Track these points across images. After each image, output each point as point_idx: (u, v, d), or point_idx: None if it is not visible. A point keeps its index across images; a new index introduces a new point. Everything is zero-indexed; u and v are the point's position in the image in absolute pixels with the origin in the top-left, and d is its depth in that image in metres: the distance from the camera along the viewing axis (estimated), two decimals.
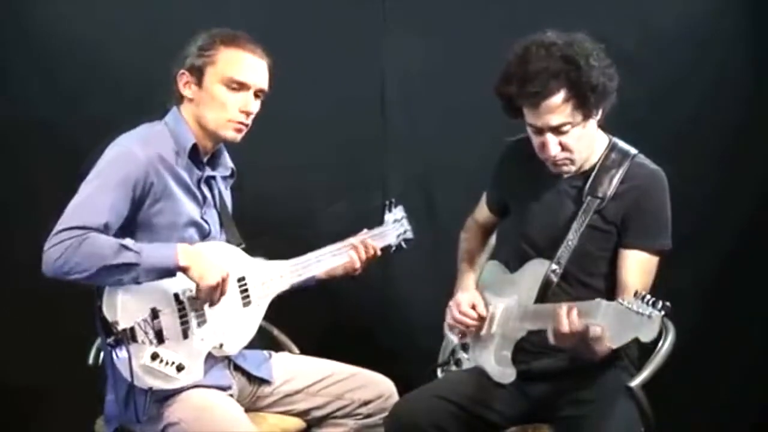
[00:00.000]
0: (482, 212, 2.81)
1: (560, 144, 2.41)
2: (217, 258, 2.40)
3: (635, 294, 2.14)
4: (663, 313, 2.07)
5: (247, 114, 2.47)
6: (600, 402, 2.40)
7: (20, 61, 3.20)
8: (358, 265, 2.69)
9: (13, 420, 3.26)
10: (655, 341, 2.52)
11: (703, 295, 3.19)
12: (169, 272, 2.31)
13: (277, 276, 2.56)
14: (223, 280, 2.36)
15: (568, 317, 2.27)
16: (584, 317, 2.24)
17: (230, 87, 2.44)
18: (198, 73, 2.44)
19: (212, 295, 2.36)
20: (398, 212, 2.89)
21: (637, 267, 2.44)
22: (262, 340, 2.77)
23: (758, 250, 3.26)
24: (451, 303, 2.66)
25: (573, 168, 2.48)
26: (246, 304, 2.49)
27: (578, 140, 2.41)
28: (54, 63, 3.21)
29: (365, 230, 2.73)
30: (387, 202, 2.89)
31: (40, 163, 3.23)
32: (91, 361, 2.57)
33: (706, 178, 3.22)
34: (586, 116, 2.40)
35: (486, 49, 3.03)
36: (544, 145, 2.42)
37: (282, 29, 3.20)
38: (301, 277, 2.61)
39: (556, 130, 2.39)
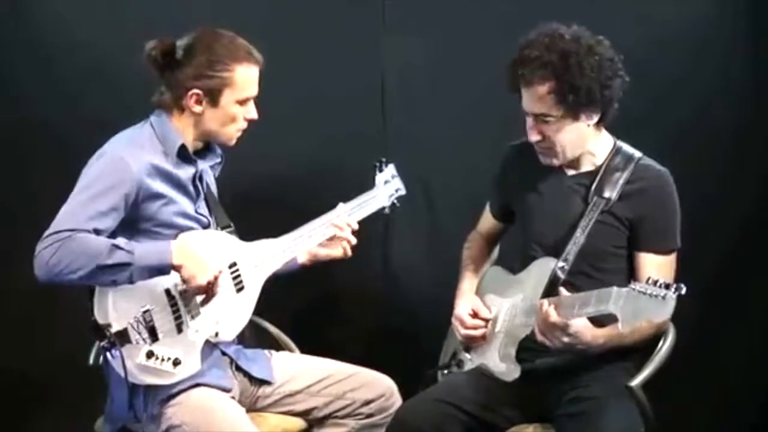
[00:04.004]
0: (486, 222, 2.82)
1: (540, 132, 2.45)
2: (211, 251, 2.40)
3: (647, 280, 2.16)
4: (677, 293, 2.08)
5: (251, 121, 2.48)
6: (600, 401, 2.40)
7: (20, 61, 3.20)
8: (345, 242, 2.63)
9: (14, 420, 3.26)
10: (656, 341, 2.54)
11: (703, 295, 3.18)
12: (162, 271, 2.31)
13: (268, 256, 2.56)
14: (215, 278, 2.36)
15: (546, 313, 2.33)
16: (596, 305, 2.25)
17: (242, 103, 2.45)
18: (215, 94, 2.41)
19: (202, 293, 2.37)
20: (389, 171, 2.86)
21: (655, 268, 2.45)
22: (263, 340, 2.77)
23: (758, 250, 3.26)
24: (453, 319, 2.67)
25: (556, 161, 2.52)
26: (239, 290, 2.50)
27: (559, 135, 2.46)
28: (54, 63, 3.21)
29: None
30: (377, 163, 2.87)
31: (40, 163, 3.22)
32: (91, 361, 2.57)
33: (706, 178, 3.22)
34: (571, 115, 2.43)
35: (485, 49, 3.04)
36: (528, 129, 2.49)
37: (282, 29, 3.19)
38: (294, 254, 2.60)
39: (538, 118, 2.44)
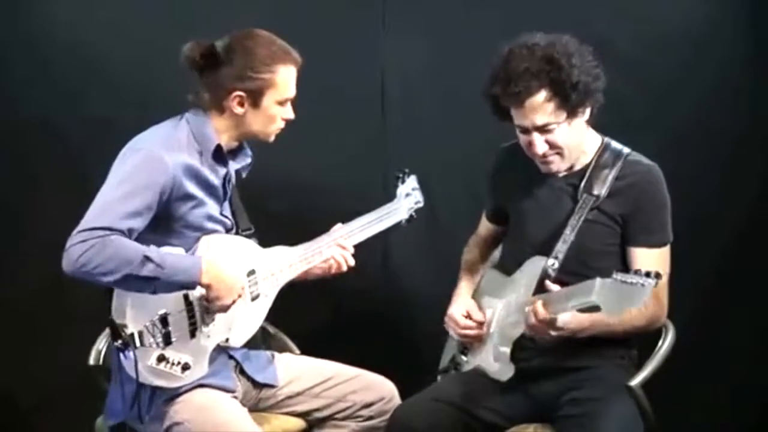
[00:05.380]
0: (483, 225, 2.83)
1: (547, 142, 2.44)
2: (232, 258, 2.40)
3: (630, 270, 2.17)
4: (655, 281, 2.08)
5: (288, 120, 2.50)
6: (600, 401, 2.40)
7: (20, 61, 3.20)
8: (335, 268, 2.63)
9: (14, 420, 3.26)
10: (655, 341, 2.54)
11: (702, 295, 3.19)
12: (188, 287, 2.31)
13: (286, 266, 2.55)
14: (239, 296, 2.37)
15: (535, 310, 2.33)
16: (580, 297, 2.24)
17: (282, 104, 2.45)
18: (257, 95, 2.41)
19: (225, 311, 2.38)
20: (410, 184, 2.83)
21: (648, 262, 2.42)
22: (265, 342, 2.77)
23: (758, 250, 3.26)
24: (446, 319, 2.66)
25: (563, 165, 2.50)
26: (254, 298, 2.49)
27: (565, 138, 2.45)
28: (54, 63, 3.21)
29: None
30: (399, 174, 2.83)
31: (40, 163, 3.23)
32: (91, 361, 2.57)
33: (706, 178, 3.22)
34: (571, 115, 2.43)
35: (485, 49, 3.03)
36: (531, 144, 2.46)
37: (282, 29, 3.17)
38: (310, 265, 2.59)
39: (542, 129, 2.43)
